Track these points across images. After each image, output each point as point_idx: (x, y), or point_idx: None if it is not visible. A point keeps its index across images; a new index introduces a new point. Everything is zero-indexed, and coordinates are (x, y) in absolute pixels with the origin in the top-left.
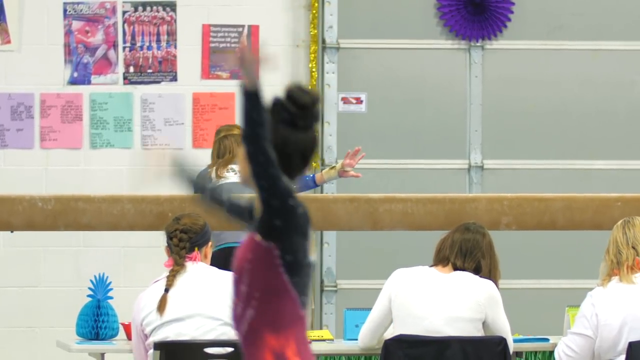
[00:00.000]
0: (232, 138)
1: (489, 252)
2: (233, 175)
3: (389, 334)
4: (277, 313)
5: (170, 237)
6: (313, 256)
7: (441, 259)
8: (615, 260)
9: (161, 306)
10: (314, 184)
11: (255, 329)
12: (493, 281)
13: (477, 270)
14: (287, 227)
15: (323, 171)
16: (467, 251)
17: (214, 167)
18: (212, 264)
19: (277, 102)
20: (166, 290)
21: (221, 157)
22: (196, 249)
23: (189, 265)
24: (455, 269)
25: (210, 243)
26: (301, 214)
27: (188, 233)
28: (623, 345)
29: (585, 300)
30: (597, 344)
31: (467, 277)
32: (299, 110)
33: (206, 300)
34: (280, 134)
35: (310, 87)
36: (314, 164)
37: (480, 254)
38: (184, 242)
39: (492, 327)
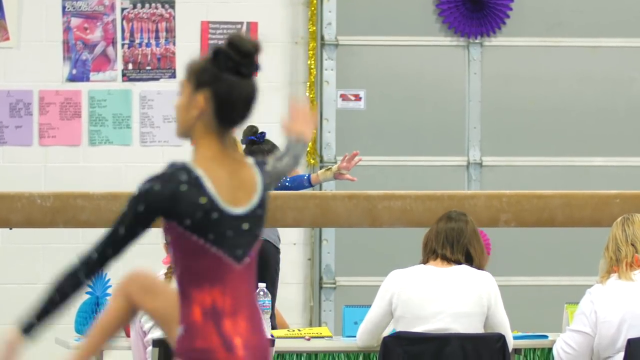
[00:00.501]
0: None
1: (475, 238)
2: None
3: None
4: (199, 270)
5: None
6: (229, 206)
7: (429, 252)
8: (615, 258)
9: None
10: (309, 184)
11: (183, 287)
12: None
13: (469, 260)
14: (163, 212)
15: (319, 172)
16: (454, 240)
17: None
18: None
19: (220, 51)
20: None
21: None
22: None
23: None
24: (447, 260)
25: None
26: (159, 191)
27: None
28: (622, 342)
29: (584, 297)
30: (596, 341)
31: (466, 271)
32: (242, 58)
33: None
34: (225, 82)
35: (252, 36)
36: (311, 162)
37: (467, 240)
38: None
39: (492, 320)
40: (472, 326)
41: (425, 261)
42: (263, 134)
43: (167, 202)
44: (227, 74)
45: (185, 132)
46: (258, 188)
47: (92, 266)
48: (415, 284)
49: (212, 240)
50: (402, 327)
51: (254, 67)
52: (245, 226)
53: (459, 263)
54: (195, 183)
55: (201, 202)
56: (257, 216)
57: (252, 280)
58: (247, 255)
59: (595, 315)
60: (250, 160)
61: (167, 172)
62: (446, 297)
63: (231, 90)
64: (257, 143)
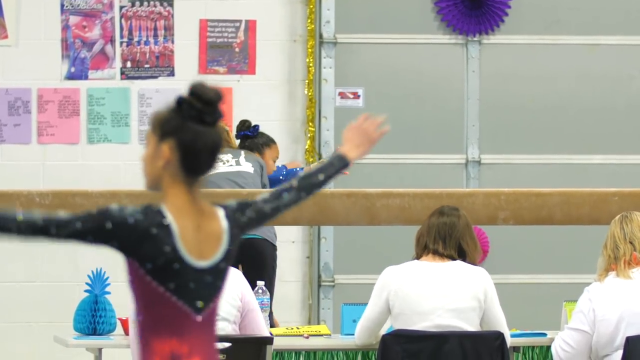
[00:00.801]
0: None
1: (468, 233)
2: (222, 165)
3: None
4: (158, 318)
5: None
6: (193, 259)
7: (422, 248)
8: (613, 256)
9: None
10: None
11: (143, 334)
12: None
13: (462, 255)
14: (124, 243)
15: (312, 165)
16: (446, 234)
17: None
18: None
19: (183, 101)
20: None
21: None
22: None
23: None
24: (439, 254)
25: None
26: (134, 224)
27: None
28: (620, 340)
29: (582, 295)
30: (594, 339)
31: (460, 266)
32: (205, 106)
33: None
34: (189, 131)
35: (213, 85)
36: (310, 159)
37: (459, 235)
38: None
39: (488, 315)
40: (470, 322)
41: (418, 257)
42: (256, 127)
43: (135, 238)
44: (191, 122)
45: (153, 183)
46: (223, 242)
47: (30, 225)
48: (412, 280)
49: (172, 290)
50: (400, 324)
51: (217, 115)
52: (208, 279)
53: (452, 258)
54: (166, 230)
55: (165, 250)
56: (220, 269)
57: (212, 331)
58: (207, 307)
59: (594, 313)
60: (220, 211)
61: (148, 210)
62: (443, 293)
63: (196, 138)
64: (250, 137)
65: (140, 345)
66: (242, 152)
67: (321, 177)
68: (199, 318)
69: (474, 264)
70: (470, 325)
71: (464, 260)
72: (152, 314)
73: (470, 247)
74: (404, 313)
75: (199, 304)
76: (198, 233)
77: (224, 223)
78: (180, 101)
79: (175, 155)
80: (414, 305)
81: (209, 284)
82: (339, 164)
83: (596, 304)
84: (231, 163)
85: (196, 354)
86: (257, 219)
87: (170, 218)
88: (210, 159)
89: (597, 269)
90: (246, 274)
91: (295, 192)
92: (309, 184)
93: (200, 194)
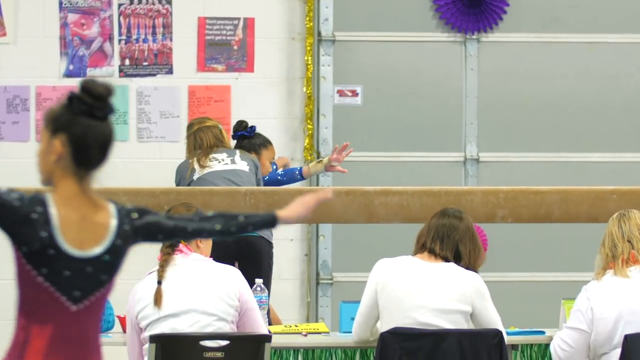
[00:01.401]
0: (207, 130)
1: (468, 236)
2: (217, 163)
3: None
4: (30, 302)
5: None
6: (71, 247)
7: (420, 246)
8: (611, 254)
9: (157, 300)
10: (301, 177)
11: (17, 313)
12: (474, 270)
13: (457, 258)
14: (6, 224)
15: (310, 164)
16: (444, 235)
17: (195, 158)
18: (227, 252)
19: (73, 96)
20: (159, 283)
21: (198, 148)
22: (182, 241)
23: (178, 258)
24: (434, 254)
25: None
26: (18, 206)
27: None
28: (618, 338)
29: (580, 294)
30: (592, 337)
31: (452, 268)
32: (96, 101)
33: (200, 295)
34: (80, 126)
35: (104, 80)
36: (308, 157)
37: (458, 237)
38: None
39: (481, 319)
40: (457, 322)
41: (414, 254)
42: (253, 127)
43: (17, 220)
44: (82, 117)
45: (47, 177)
46: (109, 235)
47: None
48: (399, 274)
49: (45, 275)
50: (385, 318)
51: (108, 110)
52: (88, 270)
53: (447, 260)
54: (45, 217)
55: (41, 235)
56: (104, 262)
57: (91, 323)
58: (86, 299)
59: (592, 312)
60: (111, 207)
61: (35, 197)
62: (428, 292)
63: (86, 132)
64: (247, 137)
65: (16, 326)
66: (237, 151)
67: (241, 218)
68: (74, 308)
69: (471, 268)
70: (454, 326)
71: (457, 263)
72: (26, 297)
73: (469, 251)
74: (387, 307)
75: (76, 293)
76: (82, 223)
77: (113, 218)
78: (71, 97)
79: (67, 149)
80: (397, 301)
81: (89, 275)
82: (266, 217)
83: (594, 303)
84: (226, 162)
85: (61, 341)
86: (161, 230)
87: (52, 206)
88: (101, 153)
89: (595, 267)
90: (242, 272)
91: (223, 223)
92: (230, 222)
93: (91, 187)
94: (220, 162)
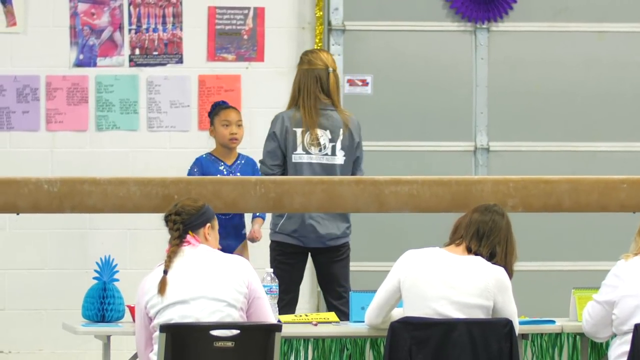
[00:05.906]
0: (320, 72)
1: (506, 236)
2: (318, 153)
3: (399, 314)
4: None
5: (165, 221)
6: None
7: (456, 238)
8: None
9: (161, 288)
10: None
11: None
12: (505, 268)
13: (491, 256)
14: None
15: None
16: (484, 234)
17: (304, 131)
18: None
19: None
20: (165, 272)
21: (302, 93)
22: (190, 232)
23: (187, 249)
24: (469, 251)
25: (209, 225)
26: None
27: (181, 215)
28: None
29: (610, 270)
30: (616, 313)
31: (478, 262)
32: None
33: (209, 282)
34: None
35: None
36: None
37: (497, 239)
38: (177, 224)
39: (501, 313)
40: (476, 317)
41: (449, 244)
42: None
43: None
44: None
45: None
46: None
47: None
48: (424, 265)
49: None
50: (407, 307)
51: None
52: None
53: (475, 254)
54: None
55: None
56: None
57: None
58: None
59: (619, 288)
60: None
61: None
62: (450, 284)
63: None
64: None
65: None
66: (340, 130)
67: None
68: None
69: (503, 266)
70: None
71: (490, 260)
72: None
73: (505, 253)
74: (408, 297)
75: None
76: None
77: None
78: None
79: None
80: (419, 291)
81: None
82: None
83: (623, 279)
84: (326, 150)
85: None
86: None
87: None
88: None
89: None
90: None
91: None
92: None
93: None
94: (321, 150)
